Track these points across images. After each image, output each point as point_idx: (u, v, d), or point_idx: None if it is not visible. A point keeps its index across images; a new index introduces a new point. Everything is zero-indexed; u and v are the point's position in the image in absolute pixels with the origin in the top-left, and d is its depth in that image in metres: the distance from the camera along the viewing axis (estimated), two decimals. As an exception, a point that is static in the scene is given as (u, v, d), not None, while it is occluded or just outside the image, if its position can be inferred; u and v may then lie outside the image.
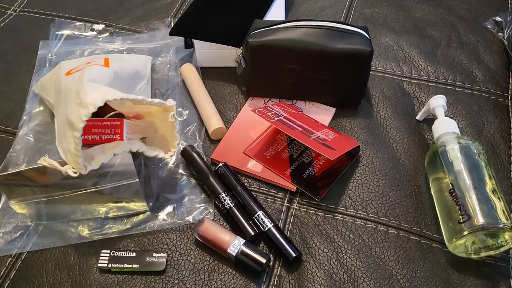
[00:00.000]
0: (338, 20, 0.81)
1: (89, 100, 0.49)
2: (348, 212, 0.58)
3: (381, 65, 0.74)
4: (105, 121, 0.55)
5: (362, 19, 0.82)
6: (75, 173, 0.49)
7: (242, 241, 0.53)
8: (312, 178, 0.59)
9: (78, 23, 0.82)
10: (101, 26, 0.82)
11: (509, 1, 0.84)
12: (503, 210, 0.50)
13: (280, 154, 0.62)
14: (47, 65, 0.75)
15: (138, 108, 0.58)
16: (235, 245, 0.53)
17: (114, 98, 0.49)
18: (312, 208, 0.58)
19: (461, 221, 0.50)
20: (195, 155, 0.61)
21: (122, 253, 0.54)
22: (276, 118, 0.61)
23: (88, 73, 0.55)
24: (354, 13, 0.83)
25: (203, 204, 0.59)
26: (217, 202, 0.57)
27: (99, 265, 0.53)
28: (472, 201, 0.51)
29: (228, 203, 0.56)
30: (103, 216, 0.58)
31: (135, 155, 0.55)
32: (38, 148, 0.64)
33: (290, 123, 0.60)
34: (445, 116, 0.62)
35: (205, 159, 0.61)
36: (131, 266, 0.53)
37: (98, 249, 0.55)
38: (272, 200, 0.59)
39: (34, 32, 0.82)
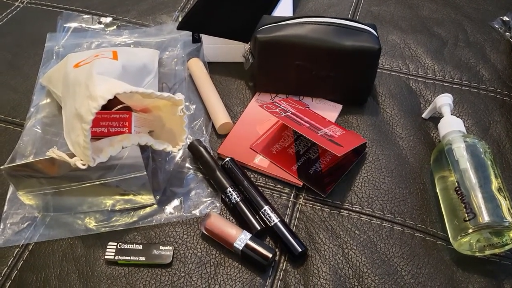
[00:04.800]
0: (346, 17, 0.81)
1: (98, 92, 0.49)
2: (353, 209, 0.58)
3: (388, 63, 0.75)
4: (113, 114, 0.55)
5: (369, 17, 0.82)
6: (84, 165, 0.50)
7: (249, 235, 0.53)
8: (318, 174, 0.60)
9: (85, 16, 0.82)
10: (108, 19, 0.82)
11: (516, 1, 0.85)
12: (508, 209, 0.50)
13: (287, 150, 0.62)
14: (54, 57, 0.75)
15: (146, 101, 0.58)
16: (241, 239, 0.53)
17: (124, 91, 0.49)
18: (318, 204, 0.58)
19: (467, 219, 0.51)
20: (202, 149, 0.61)
21: (129, 245, 0.54)
22: (284, 114, 0.61)
23: (97, 66, 0.55)
24: (361, 11, 0.83)
25: (209, 198, 0.59)
26: (223, 197, 0.58)
27: (106, 257, 0.54)
28: (478, 199, 0.51)
29: (234, 198, 0.57)
30: (109, 209, 0.58)
31: (143, 149, 0.56)
32: (46, 140, 0.65)
33: (298, 119, 0.61)
34: (451, 114, 0.62)
35: (212, 154, 0.61)
36: (137, 258, 0.54)
37: (105, 241, 0.56)
38: (278, 196, 0.59)
39: (41, 24, 0.83)
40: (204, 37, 0.72)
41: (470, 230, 0.50)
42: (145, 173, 0.54)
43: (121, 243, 0.55)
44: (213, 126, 0.67)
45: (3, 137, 0.67)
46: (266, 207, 0.56)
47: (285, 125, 0.65)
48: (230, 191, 0.57)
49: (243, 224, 0.56)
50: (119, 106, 0.59)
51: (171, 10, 0.84)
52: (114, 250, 0.54)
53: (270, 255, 0.52)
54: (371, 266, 0.53)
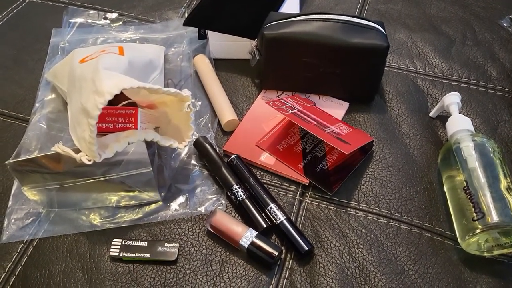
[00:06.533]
0: (353, 14, 0.80)
1: (105, 88, 0.48)
2: (360, 207, 0.57)
3: (395, 61, 0.74)
4: (119, 109, 0.54)
5: (376, 15, 0.82)
6: (89, 161, 0.49)
7: (254, 233, 0.53)
8: (325, 172, 0.59)
9: (91, 12, 0.82)
10: (114, 15, 0.81)
11: (525, 0, 0.84)
12: (517, 209, 0.50)
13: (293, 148, 0.62)
14: (59, 52, 0.75)
15: (152, 97, 0.58)
16: (247, 237, 0.52)
17: (131, 86, 0.49)
18: (325, 202, 0.58)
19: (475, 218, 0.50)
20: (208, 146, 0.61)
21: (133, 242, 0.54)
22: (291, 111, 0.60)
23: (103, 61, 0.55)
24: (368, 8, 0.83)
25: (215, 196, 0.58)
26: (229, 194, 0.57)
27: (110, 253, 0.53)
28: (486, 199, 0.51)
29: (240, 195, 0.56)
30: (114, 205, 0.58)
31: (149, 145, 0.55)
32: (50, 135, 0.64)
33: (305, 117, 0.60)
34: (459, 113, 0.62)
35: (217, 151, 0.61)
36: (142, 255, 0.53)
37: (109, 238, 0.55)
38: (284, 193, 0.59)
39: (46, 19, 0.82)
40: (210, 34, 0.72)
41: (479, 230, 0.49)
42: (150, 169, 0.54)
43: (126, 240, 0.54)
44: (219, 123, 0.66)
45: (8, 132, 0.66)
46: (272, 205, 0.56)
47: (292, 123, 0.65)
48: (236, 189, 0.57)
49: (249, 221, 0.55)
50: (125, 102, 0.58)
51: (177, 6, 0.84)
52: (119, 247, 0.54)
53: (276, 253, 0.51)
54: (378, 265, 0.53)
